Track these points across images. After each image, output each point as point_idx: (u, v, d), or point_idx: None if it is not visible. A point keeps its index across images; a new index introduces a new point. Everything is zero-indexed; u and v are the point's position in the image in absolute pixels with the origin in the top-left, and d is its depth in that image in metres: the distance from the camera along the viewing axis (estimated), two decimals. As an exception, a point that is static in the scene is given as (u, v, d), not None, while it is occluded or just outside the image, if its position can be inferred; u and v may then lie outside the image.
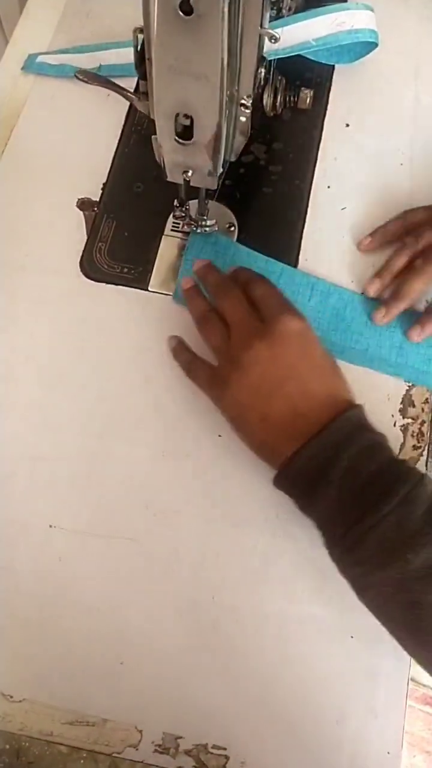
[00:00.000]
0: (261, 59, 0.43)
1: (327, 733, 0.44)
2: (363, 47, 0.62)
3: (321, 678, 0.45)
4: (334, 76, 0.64)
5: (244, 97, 0.42)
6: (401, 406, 0.52)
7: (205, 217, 0.55)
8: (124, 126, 0.62)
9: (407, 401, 0.52)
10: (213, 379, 0.48)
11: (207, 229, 0.55)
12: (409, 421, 0.52)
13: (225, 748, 0.44)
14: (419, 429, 0.51)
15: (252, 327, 0.46)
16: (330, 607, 0.46)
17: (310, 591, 0.47)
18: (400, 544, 0.38)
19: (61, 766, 0.93)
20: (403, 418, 0.52)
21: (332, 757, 0.44)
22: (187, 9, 0.35)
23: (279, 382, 0.44)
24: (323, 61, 0.64)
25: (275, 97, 0.48)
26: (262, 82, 0.46)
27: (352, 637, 0.46)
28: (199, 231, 0.55)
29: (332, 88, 0.63)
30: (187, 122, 0.43)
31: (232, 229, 0.57)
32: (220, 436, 0.51)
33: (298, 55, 0.61)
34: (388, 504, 0.38)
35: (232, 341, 0.46)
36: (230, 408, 0.46)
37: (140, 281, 0.56)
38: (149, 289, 0.56)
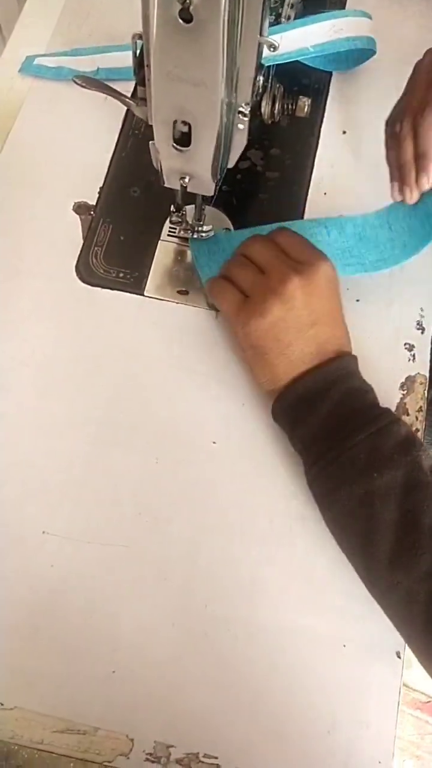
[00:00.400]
0: (259, 67, 0.43)
1: (318, 743, 0.44)
2: (360, 54, 0.62)
3: (313, 687, 0.45)
4: (331, 83, 0.64)
5: (243, 104, 0.42)
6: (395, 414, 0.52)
7: (201, 223, 0.54)
8: (122, 130, 0.62)
9: (401, 409, 0.52)
10: (242, 305, 0.47)
11: (203, 234, 0.55)
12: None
13: (216, 757, 0.44)
14: (413, 438, 0.51)
15: (288, 264, 0.46)
16: (322, 616, 0.46)
17: (303, 600, 0.47)
18: (370, 465, 0.43)
19: (50, 770, 0.90)
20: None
21: (323, 766, 0.44)
22: (186, 17, 0.35)
23: (309, 322, 0.46)
24: (321, 68, 0.64)
25: (273, 105, 0.48)
26: (261, 90, 0.45)
27: (344, 646, 0.46)
28: (195, 237, 0.55)
29: (329, 95, 0.63)
30: (186, 129, 0.43)
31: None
32: (214, 443, 0.51)
33: (296, 62, 0.61)
34: (365, 432, 0.44)
35: (269, 275, 0.46)
36: (253, 336, 0.46)
37: (136, 286, 0.56)
38: (145, 294, 0.55)
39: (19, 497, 0.49)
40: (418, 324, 0.55)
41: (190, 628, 0.46)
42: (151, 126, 0.44)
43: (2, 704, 0.45)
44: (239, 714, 0.44)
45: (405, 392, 0.53)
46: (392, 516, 0.41)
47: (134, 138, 0.61)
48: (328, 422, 0.45)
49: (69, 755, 0.43)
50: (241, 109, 0.43)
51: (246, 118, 0.43)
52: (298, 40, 0.61)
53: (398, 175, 0.52)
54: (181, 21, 0.35)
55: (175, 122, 0.43)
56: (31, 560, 0.47)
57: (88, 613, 0.46)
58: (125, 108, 0.62)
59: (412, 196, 0.52)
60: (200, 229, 0.55)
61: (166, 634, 0.46)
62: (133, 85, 0.63)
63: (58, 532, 0.48)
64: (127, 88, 0.62)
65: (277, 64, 0.61)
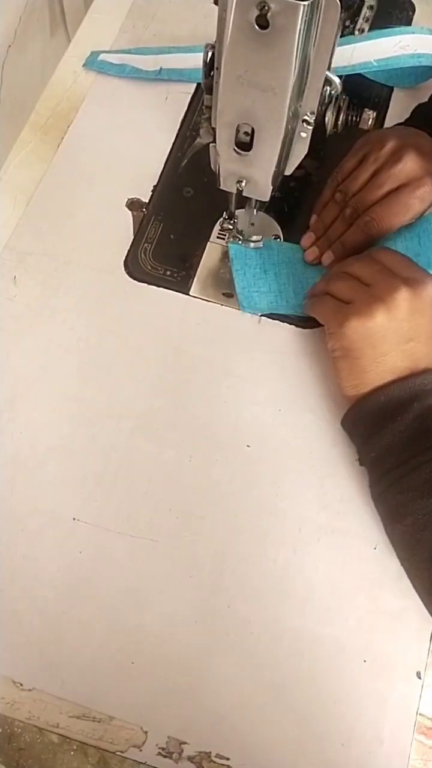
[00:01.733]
0: (327, 78, 0.44)
1: (332, 755, 0.44)
2: (424, 72, 0.62)
3: (330, 699, 0.45)
4: (392, 98, 0.64)
5: (308, 113, 0.43)
6: None
7: (250, 231, 0.55)
8: (180, 130, 0.62)
9: None
10: (340, 309, 0.47)
11: (252, 244, 0.56)
12: None
13: (228, 758, 0.44)
14: None
15: (398, 277, 0.46)
16: (344, 629, 0.46)
17: (327, 610, 0.47)
18: None
19: (51, 755, 0.94)
20: None
21: (335, 779, 0.44)
22: (263, 23, 0.35)
23: (408, 336, 0.45)
24: (383, 83, 0.64)
25: (338, 116, 0.48)
26: (327, 100, 0.46)
27: (365, 661, 0.46)
28: (241, 243, 0.56)
29: (389, 109, 0.63)
30: (248, 135, 0.43)
31: (278, 239, 0.58)
32: (248, 446, 0.51)
33: (359, 75, 0.62)
34: None
35: (375, 285, 0.46)
36: (350, 337, 0.46)
37: (182, 285, 0.56)
38: (190, 293, 0.56)
39: (53, 482, 0.50)
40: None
41: (213, 627, 0.46)
42: (214, 129, 0.44)
43: (21, 684, 0.45)
44: (255, 717, 0.45)
45: None
46: None
47: (192, 139, 0.62)
48: (407, 434, 0.44)
49: (83, 741, 0.44)
50: (306, 117, 0.43)
51: (310, 127, 0.43)
52: (364, 53, 0.61)
53: (319, 232, 0.55)
54: (257, 27, 0.36)
55: (238, 127, 0.43)
56: (61, 545, 0.48)
57: (112, 603, 0.47)
58: (184, 109, 0.63)
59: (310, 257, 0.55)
60: (250, 239, 0.55)
61: (188, 630, 0.46)
62: (193, 88, 0.64)
63: (89, 519, 0.49)
64: (187, 89, 0.64)
65: (339, 76, 0.61)
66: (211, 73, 0.42)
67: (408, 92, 0.64)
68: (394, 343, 0.45)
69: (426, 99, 0.60)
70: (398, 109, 0.63)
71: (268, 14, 0.35)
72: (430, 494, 0.42)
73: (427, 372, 0.46)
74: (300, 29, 0.35)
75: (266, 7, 0.35)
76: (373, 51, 0.61)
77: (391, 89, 0.64)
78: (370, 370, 0.46)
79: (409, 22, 0.68)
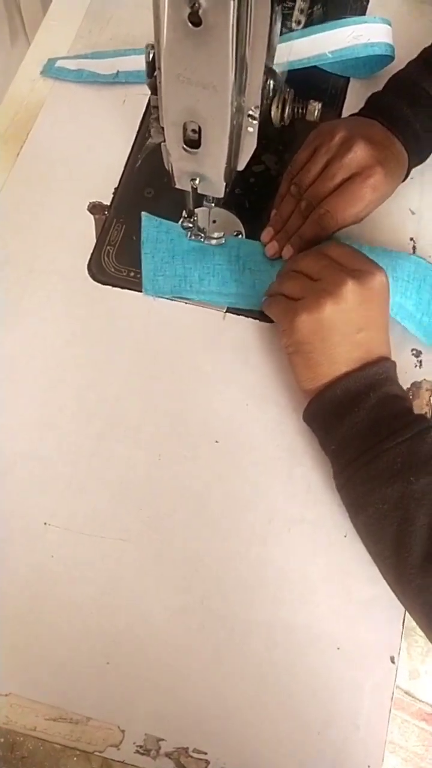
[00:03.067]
0: (269, 71, 0.44)
1: (308, 743, 0.44)
2: (379, 61, 0.63)
3: (305, 687, 0.45)
4: (348, 89, 0.64)
5: (252, 107, 0.43)
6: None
7: (212, 228, 0.55)
8: (138, 132, 0.63)
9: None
10: (290, 307, 0.47)
11: (214, 241, 0.56)
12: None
13: (206, 753, 0.44)
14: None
15: (344, 270, 0.46)
16: (317, 618, 0.47)
17: (299, 600, 0.47)
18: (407, 467, 0.43)
19: (53, 762, 0.94)
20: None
21: (312, 766, 0.44)
22: (196, 20, 0.36)
23: (358, 327, 0.46)
24: (339, 74, 0.64)
25: (283, 109, 0.48)
26: (271, 94, 0.46)
27: (338, 648, 0.46)
28: (203, 240, 0.56)
29: (346, 100, 0.64)
30: (195, 132, 0.43)
31: (239, 236, 0.58)
32: (217, 441, 0.51)
33: (314, 67, 0.62)
34: (403, 436, 0.43)
35: (324, 279, 0.46)
36: (300, 332, 0.46)
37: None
38: (155, 293, 0.56)
39: (22, 488, 0.50)
40: (426, 330, 0.55)
41: (187, 623, 0.46)
42: (162, 128, 0.45)
43: (-2, 690, 0.45)
44: (230, 710, 0.45)
45: (411, 397, 0.53)
46: (427, 520, 0.41)
47: (150, 142, 0.62)
48: (364, 425, 0.45)
49: (60, 743, 0.44)
50: (250, 112, 0.43)
51: (255, 122, 0.44)
52: (317, 45, 0.62)
53: (278, 227, 0.56)
54: (190, 24, 0.36)
55: (185, 125, 0.43)
56: (32, 550, 0.48)
57: (86, 604, 0.47)
58: (143, 111, 0.64)
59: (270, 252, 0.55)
60: (211, 236, 0.56)
61: (162, 627, 0.46)
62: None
63: (60, 523, 0.49)
64: (144, 91, 0.64)
65: (295, 69, 0.61)
66: (154, 73, 0.42)
67: (364, 82, 0.64)
68: (345, 335, 0.46)
69: (381, 88, 0.60)
70: (355, 100, 0.63)
71: (200, 11, 0.35)
72: (388, 483, 0.43)
73: (381, 361, 0.46)
74: (232, 24, 0.35)
75: (197, 4, 0.35)
76: (327, 42, 0.62)
77: (348, 80, 0.65)
78: (322, 363, 0.46)
79: (363, 12, 0.68)
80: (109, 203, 0.60)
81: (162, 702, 0.45)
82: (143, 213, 0.57)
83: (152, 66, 0.42)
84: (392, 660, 0.46)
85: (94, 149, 0.62)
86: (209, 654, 0.46)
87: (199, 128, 0.43)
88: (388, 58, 0.62)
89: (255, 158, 0.48)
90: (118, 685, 0.45)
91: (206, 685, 0.45)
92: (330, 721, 0.44)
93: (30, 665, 0.46)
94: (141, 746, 0.44)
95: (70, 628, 0.46)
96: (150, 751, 0.44)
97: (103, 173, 0.61)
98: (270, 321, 0.55)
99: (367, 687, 0.45)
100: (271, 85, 0.45)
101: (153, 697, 0.45)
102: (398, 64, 0.62)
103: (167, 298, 0.56)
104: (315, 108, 0.51)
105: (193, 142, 0.44)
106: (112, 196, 0.60)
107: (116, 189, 0.60)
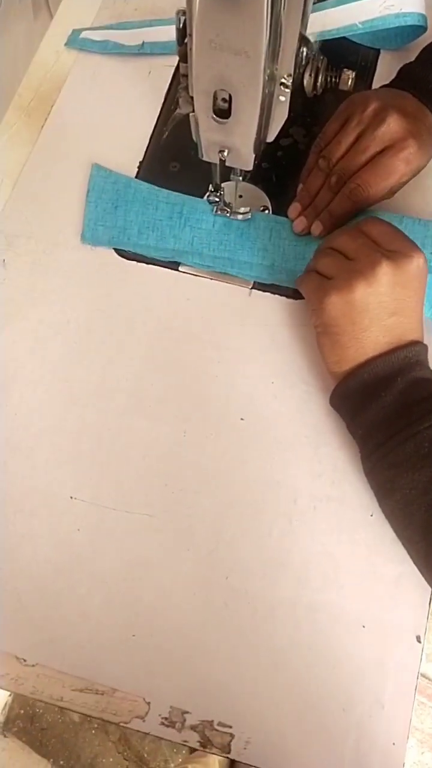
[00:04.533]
0: (303, 39, 0.43)
1: (333, 720, 0.44)
2: (410, 31, 0.61)
3: (330, 665, 0.45)
4: (379, 61, 0.63)
5: (285, 76, 0.42)
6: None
7: (238, 203, 0.54)
8: (164, 104, 0.62)
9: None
10: (322, 285, 0.46)
11: (240, 216, 0.55)
12: None
13: (231, 726, 0.44)
14: None
15: (380, 251, 0.45)
16: (342, 595, 0.46)
17: (324, 578, 0.47)
18: None
19: (72, 734, 0.96)
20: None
21: (336, 743, 0.44)
22: (230, -16, 0.35)
23: (390, 311, 0.45)
24: (369, 45, 0.63)
25: (316, 78, 0.47)
26: (304, 62, 0.45)
27: (363, 626, 0.46)
28: (229, 215, 0.55)
29: (376, 72, 0.62)
30: (226, 102, 0.42)
31: (266, 211, 0.57)
32: (242, 419, 0.51)
33: (343, 38, 0.60)
34: (430, 420, 0.42)
35: (358, 260, 0.45)
36: (329, 313, 0.45)
37: (171, 261, 0.56)
38: (179, 269, 0.56)
39: (49, 462, 0.50)
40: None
41: (211, 599, 0.47)
42: (191, 98, 0.44)
43: (25, 660, 0.46)
44: (255, 685, 0.45)
45: None
46: None
47: (177, 114, 0.61)
48: (392, 409, 0.44)
49: (86, 714, 0.45)
50: (283, 80, 0.42)
51: (288, 90, 0.43)
52: (348, 16, 0.60)
53: (305, 202, 0.55)
54: (224, -12, 0.35)
55: (215, 94, 0.42)
56: (58, 523, 0.48)
57: (112, 577, 0.47)
58: (168, 82, 0.63)
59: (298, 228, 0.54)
60: (238, 210, 0.55)
61: (187, 602, 0.47)
62: (176, 61, 0.63)
63: (86, 498, 0.49)
64: (170, 62, 0.63)
65: (325, 40, 0.60)
66: (185, 41, 0.41)
67: (395, 54, 0.63)
68: (376, 319, 0.44)
69: (413, 60, 0.59)
70: (385, 72, 0.62)
71: (236, -26, 0.34)
72: (416, 468, 0.42)
73: (411, 345, 0.45)
74: (268, -13, 0.34)
75: (231, -32, 0.34)
76: (357, 13, 0.60)
77: (378, 52, 0.63)
78: (350, 347, 0.45)
79: (394, -18, 0.66)
80: (134, 177, 0.59)
81: (187, 675, 0.45)
82: (94, 164, 0.57)
83: (183, 33, 0.41)
84: (418, 639, 0.45)
85: (118, 122, 0.61)
86: (234, 630, 0.46)
87: (230, 97, 0.42)
88: (420, 29, 0.60)
89: (283, 131, 0.47)
90: (143, 658, 0.46)
91: (230, 659, 0.45)
92: (355, 699, 0.44)
93: (57, 637, 0.46)
94: (166, 718, 0.45)
95: (97, 601, 0.47)
96: (175, 723, 0.44)
97: (127, 146, 0.60)
98: (296, 298, 0.54)
99: (393, 665, 0.45)
100: (305, 53, 0.43)
101: (178, 670, 0.45)
102: (431, 35, 0.60)
103: (193, 274, 0.55)
104: (348, 77, 0.49)
105: (222, 111, 0.44)
106: (137, 170, 0.59)
107: (141, 163, 0.59)
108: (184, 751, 1.17)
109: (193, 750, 1.18)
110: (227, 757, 0.43)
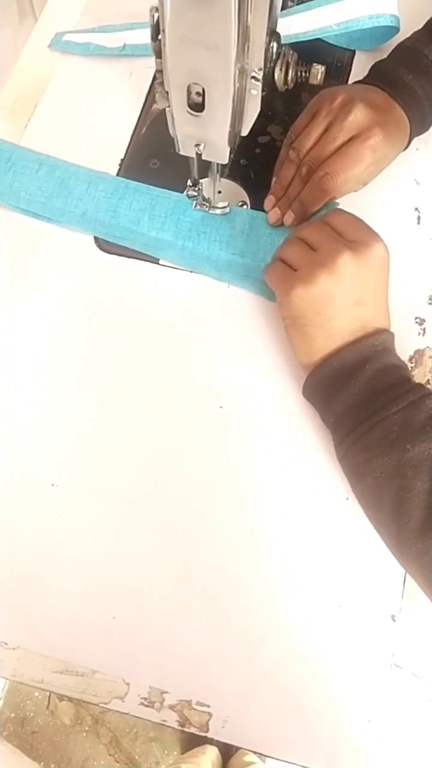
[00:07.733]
0: (273, 33, 0.44)
1: (309, 698, 0.45)
2: (384, 32, 0.63)
3: (306, 644, 0.46)
4: (354, 62, 0.64)
5: (255, 69, 0.43)
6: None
7: (217, 198, 0.55)
8: (144, 104, 0.63)
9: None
10: (288, 275, 0.47)
11: (218, 210, 0.56)
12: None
13: (209, 705, 0.45)
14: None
15: (342, 242, 0.46)
16: (319, 577, 0.47)
17: (301, 560, 0.48)
18: (402, 436, 0.43)
19: (63, 737, 0.96)
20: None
21: (314, 721, 0.44)
22: (198, -21, 0.36)
23: (354, 300, 0.46)
24: (343, 46, 0.64)
25: (287, 72, 0.49)
26: (274, 57, 0.46)
27: (339, 606, 0.46)
28: (209, 211, 0.56)
29: (351, 72, 0.64)
30: (200, 95, 0.44)
31: (245, 206, 0.58)
32: (221, 407, 0.52)
33: (318, 40, 0.62)
34: (397, 405, 0.43)
35: (321, 250, 0.46)
36: (295, 306, 0.46)
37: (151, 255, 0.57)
38: (160, 263, 0.57)
39: (31, 451, 0.51)
40: (429, 298, 0.55)
41: (190, 581, 0.47)
42: (167, 93, 0.45)
43: (6, 643, 0.47)
44: (233, 665, 0.46)
45: (413, 365, 0.53)
46: (424, 486, 0.41)
47: (156, 111, 0.63)
48: (361, 397, 0.45)
49: (67, 695, 0.45)
50: (254, 74, 0.44)
51: (259, 84, 0.44)
52: (322, 17, 0.62)
53: (279, 194, 0.56)
54: (193, -17, 0.36)
55: (189, 87, 0.44)
56: (39, 510, 0.49)
57: (93, 562, 0.48)
58: (148, 84, 0.64)
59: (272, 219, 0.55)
60: (216, 205, 0.56)
61: (167, 584, 0.47)
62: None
63: (66, 485, 0.50)
64: (150, 64, 0.64)
65: (300, 42, 0.61)
66: (159, 36, 0.43)
67: (369, 54, 0.64)
68: (340, 308, 0.45)
69: (385, 58, 0.60)
70: (360, 72, 0.63)
71: (203, -30, 0.36)
72: (384, 453, 0.43)
73: (378, 333, 0.46)
74: (234, -18, 0.36)
75: (200, -37, 0.35)
76: (332, 14, 0.62)
77: (353, 52, 0.65)
78: (317, 337, 0.46)
79: (369, -15, 0.68)
80: (115, 174, 0.60)
81: (166, 656, 0.46)
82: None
83: (156, 28, 0.42)
84: (393, 618, 0.46)
85: (100, 122, 0.63)
86: (213, 610, 0.47)
87: (203, 91, 0.44)
88: (393, 30, 0.62)
89: (260, 129, 0.49)
90: (123, 640, 0.46)
91: (210, 640, 0.46)
92: (331, 678, 0.45)
93: (38, 621, 0.47)
94: (145, 698, 0.45)
95: (77, 585, 0.47)
96: (154, 703, 0.45)
97: (109, 145, 0.61)
98: (272, 299, 0.55)
99: (368, 644, 0.46)
100: (274, 48, 0.45)
101: (157, 651, 0.46)
102: (403, 36, 0.62)
103: (173, 267, 0.57)
104: (318, 71, 0.51)
105: (197, 105, 0.45)
106: (118, 167, 0.60)
107: (122, 160, 0.61)
108: (175, 752, 1.17)
109: (185, 750, 1.18)
110: (206, 736, 0.43)
